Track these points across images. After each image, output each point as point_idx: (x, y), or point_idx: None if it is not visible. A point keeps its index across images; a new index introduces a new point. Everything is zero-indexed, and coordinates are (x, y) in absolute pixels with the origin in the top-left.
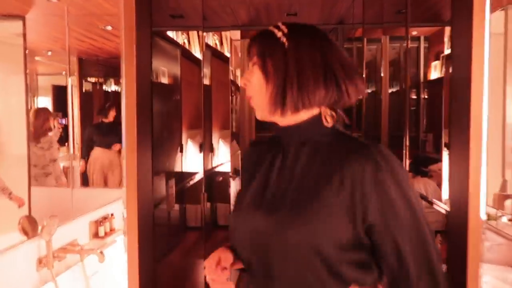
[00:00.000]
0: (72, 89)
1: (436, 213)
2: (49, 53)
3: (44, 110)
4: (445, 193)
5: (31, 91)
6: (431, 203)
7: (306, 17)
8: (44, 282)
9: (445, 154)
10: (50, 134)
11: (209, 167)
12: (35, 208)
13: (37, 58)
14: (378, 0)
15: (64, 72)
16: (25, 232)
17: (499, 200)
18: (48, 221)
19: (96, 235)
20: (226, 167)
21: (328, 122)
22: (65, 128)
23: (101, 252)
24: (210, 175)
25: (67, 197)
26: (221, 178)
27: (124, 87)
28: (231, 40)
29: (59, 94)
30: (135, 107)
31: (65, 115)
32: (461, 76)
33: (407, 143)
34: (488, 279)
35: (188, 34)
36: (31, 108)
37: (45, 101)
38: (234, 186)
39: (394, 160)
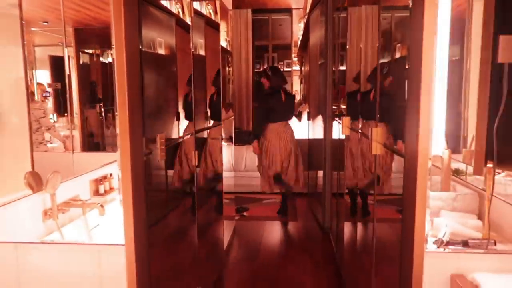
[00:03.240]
0: (70, 60)
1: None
2: (45, 23)
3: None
4: None
5: (28, 61)
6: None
7: None
8: (50, 232)
9: None
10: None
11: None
12: (38, 169)
13: (33, 28)
14: None
15: (60, 43)
16: (31, 187)
17: (469, 156)
18: (51, 176)
19: (96, 192)
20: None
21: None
22: (63, 98)
23: (102, 206)
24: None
25: (68, 160)
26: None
27: (115, 55)
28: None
29: (57, 65)
30: (125, 74)
31: (63, 86)
32: None
33: None
34: (450, 223)
35: (182, 3)
36: (30, 79)
37: (43, 72)
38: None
39: None
